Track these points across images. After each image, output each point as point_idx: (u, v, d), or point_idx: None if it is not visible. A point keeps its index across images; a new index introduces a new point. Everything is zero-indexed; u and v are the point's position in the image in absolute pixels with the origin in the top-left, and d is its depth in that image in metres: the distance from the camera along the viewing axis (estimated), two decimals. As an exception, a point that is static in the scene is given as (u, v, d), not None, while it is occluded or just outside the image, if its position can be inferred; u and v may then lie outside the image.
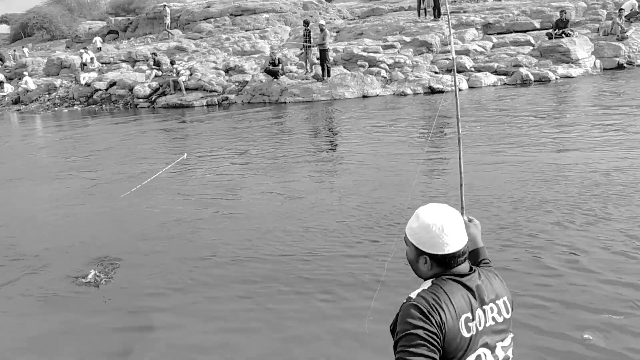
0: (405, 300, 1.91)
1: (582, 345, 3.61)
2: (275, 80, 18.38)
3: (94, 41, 25.37)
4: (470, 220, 2.44)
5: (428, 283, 1.94)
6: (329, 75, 17.82)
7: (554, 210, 5.98)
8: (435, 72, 17.54)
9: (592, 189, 6.54)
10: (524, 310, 4.02)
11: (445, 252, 1.91)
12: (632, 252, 4.88)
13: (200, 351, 3.93)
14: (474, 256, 2.35)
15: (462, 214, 2.46)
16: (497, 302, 1.99)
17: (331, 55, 18.55)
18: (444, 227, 1.90)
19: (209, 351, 3.92)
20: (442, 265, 1.93)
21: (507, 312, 2.02)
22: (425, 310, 1.81)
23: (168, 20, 26.58)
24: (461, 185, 2.53)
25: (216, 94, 19.12)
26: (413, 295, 1.90)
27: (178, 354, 3.92)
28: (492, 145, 9.11)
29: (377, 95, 16.86)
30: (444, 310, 1.83)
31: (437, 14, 20.77)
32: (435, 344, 1.79)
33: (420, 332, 1.78)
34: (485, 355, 1.92)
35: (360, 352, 3.75)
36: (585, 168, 7.37)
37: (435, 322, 1.80)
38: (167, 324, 4.33)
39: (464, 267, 1.96)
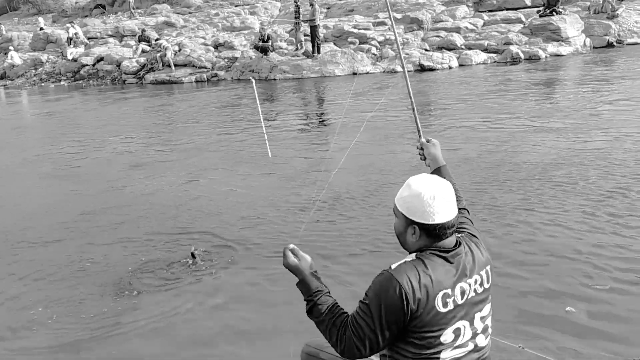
0: (386, 269, 1.90)
1: (564, 317, 3.67)
2: (265, 56, 18.23)
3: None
4: (428, 141, 2.50)
5: (412, 256, 1.93)
6: (319, 52, 17.69)
7: (531, 184, 6.04)
8: (426, 50, 17.46)
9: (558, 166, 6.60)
10: (504, 284, 4.08)
11: (436, 221, 1.89)
12: (611, 225, 4.94)
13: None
14: (437, 174, 2.38)
15: (420, 136, 2.53)
16: (480, 272, 1.99)
17: (321, 32, 18.40)
18: (436, 196, 1.89)
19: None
20: (431, 236, 1.93)
21: (488, 282, 2.03)
22: (400, 283, 1.83)
23: (131, 0, 26.21)
24: (413, 109, 2.64)
25: (205, 70, 18.95)
26: (394, 265, 1.90)
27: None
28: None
29: (368, 73, 16.80)
30: (419, 288, 1.84)
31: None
32: (393, 322, 1.84)
33: (382, 308, 1.83)
34: (465, 327, 1.94)
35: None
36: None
37: (407, 297, 1.82)
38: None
39: (450, 240, 1.96)
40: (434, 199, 1.89)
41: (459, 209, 2.16)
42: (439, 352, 1.91)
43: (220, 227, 5.65)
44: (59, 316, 4.15)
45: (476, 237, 2.12)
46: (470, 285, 1.94)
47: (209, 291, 4.37)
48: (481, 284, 1.98)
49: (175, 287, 4.48)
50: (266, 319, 3.91)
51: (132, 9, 26.25)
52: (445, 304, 1.87)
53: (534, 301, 3.88)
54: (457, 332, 1.92)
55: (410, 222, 1.94)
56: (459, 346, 1.94)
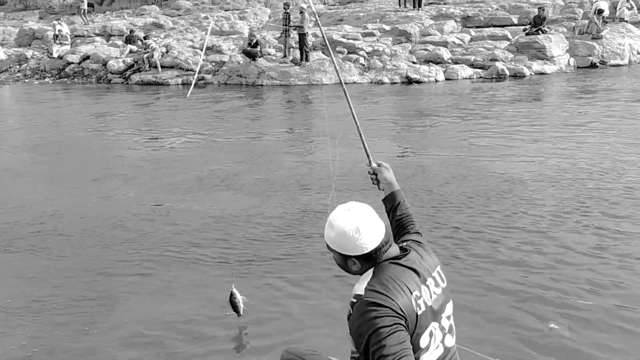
0: (354, 299, 1.91)
1: (547, 335, 3.70)
2: (253, 62, 18.21)
3: None
4: (379, 165, 2.46)
5: (369, 274, 1.96)
6: (307, 60, 17.72)
7: (509, 202, 6.10)
8: (413, 62, 17.58)
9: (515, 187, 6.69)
10: (487, 301, 4.11)
11: (370, 249, 1.93)
12: (599, 242, 5.00)
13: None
14: (391, 199, 2.39)
15: (370, 161, 2.50)
16: (433, 274, 2.04)
17: (310, 40, 18.44)
18: (359, 229, 1.92)
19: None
20: (371, 260, 1.96)
21: (443, 282, 2.07)
22: (381, 302, 1.83)
23: (84, 6, 25.75)
24: (360, 134, 2.64)
25: (192, 73, 18.84)
26: (360, 291, 1.90)
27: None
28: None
29: (355, 83, 16.86)
30: (396, 295, 1.85)
31: (418, 4, 20.87)
32: (404, 328, 1.81)
33: (386, 321, 1.80)
34: (435, 329, 1.98)
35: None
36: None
37: (395, 308, 1.83)
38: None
39: (394, 249, 2.00)
40: (359, 232, 1.92)
41: (412, 233, 2.24)
42: (419, 358, 1.93)
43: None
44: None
45: (420, 242, 2.16)
46: (429, 286, 1.99)
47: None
48: (437, 285, 2.03)
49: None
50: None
51: (83, 15, 25.80)
52: (419, 307, 1.91)
53: (516, 317, 3.92)
54: (430, 335, 1.96)
55: (347, 257, 1.97)
56: (434, 349, 1.98)
